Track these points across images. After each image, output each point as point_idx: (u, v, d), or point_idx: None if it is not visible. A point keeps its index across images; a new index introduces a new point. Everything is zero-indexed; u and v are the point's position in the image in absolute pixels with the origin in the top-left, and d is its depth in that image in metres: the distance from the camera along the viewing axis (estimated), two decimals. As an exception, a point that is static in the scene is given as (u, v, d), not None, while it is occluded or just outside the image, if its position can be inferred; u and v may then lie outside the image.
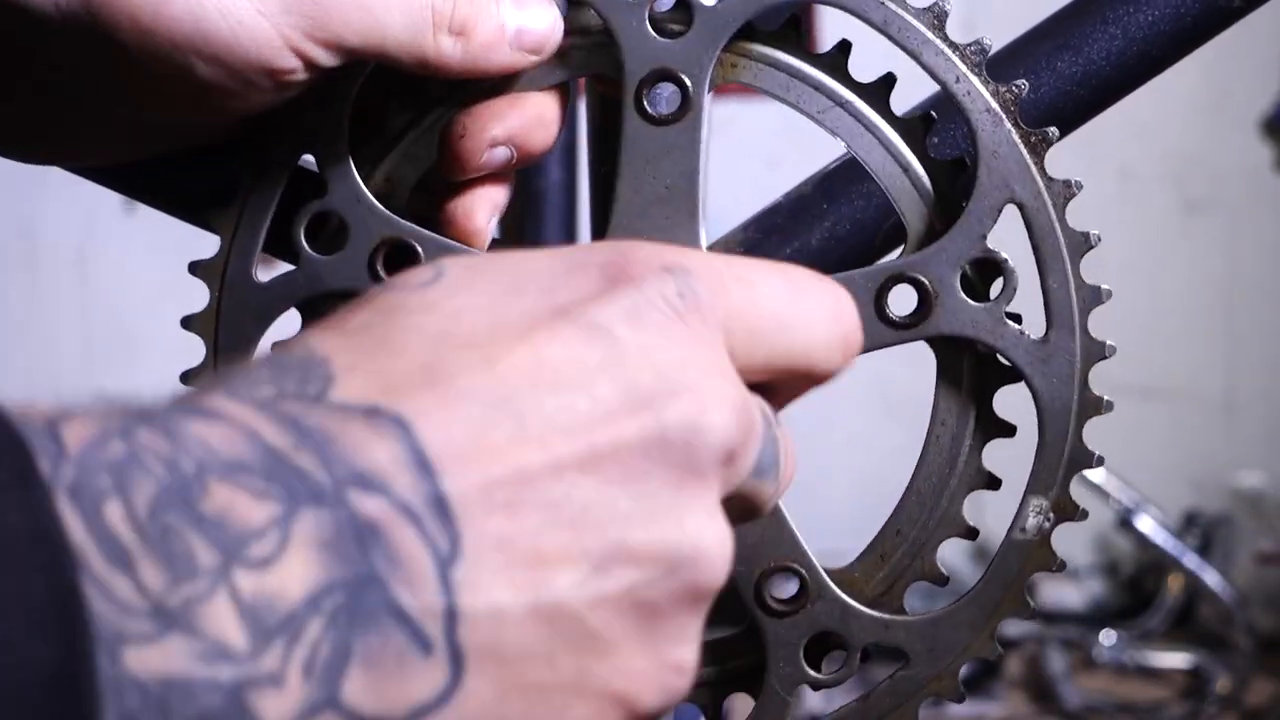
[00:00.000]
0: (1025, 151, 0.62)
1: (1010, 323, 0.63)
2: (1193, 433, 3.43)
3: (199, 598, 0.37)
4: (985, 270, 0.63)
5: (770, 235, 0.68)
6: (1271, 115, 3.40)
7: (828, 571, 0.65)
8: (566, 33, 0.63)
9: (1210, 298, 3.44)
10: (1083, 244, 0.63)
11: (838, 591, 0.65)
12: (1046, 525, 0.64)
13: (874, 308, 0.63)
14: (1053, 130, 0.62)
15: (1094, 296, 0.63)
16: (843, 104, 0.64)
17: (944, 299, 0.62)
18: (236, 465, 0.39)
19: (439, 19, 0.60)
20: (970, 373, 0.65)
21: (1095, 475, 0.66)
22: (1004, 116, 0.62)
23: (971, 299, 0.62)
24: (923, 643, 0.65)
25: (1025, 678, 3.14)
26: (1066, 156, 0.62)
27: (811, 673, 0.65)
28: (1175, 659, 3.20)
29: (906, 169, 0.64)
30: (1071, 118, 0.67)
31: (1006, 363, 0.64)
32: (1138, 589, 3.35)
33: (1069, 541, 0.63)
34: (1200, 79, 3.23)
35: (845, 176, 0.68)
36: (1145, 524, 3.02)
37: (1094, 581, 3.36)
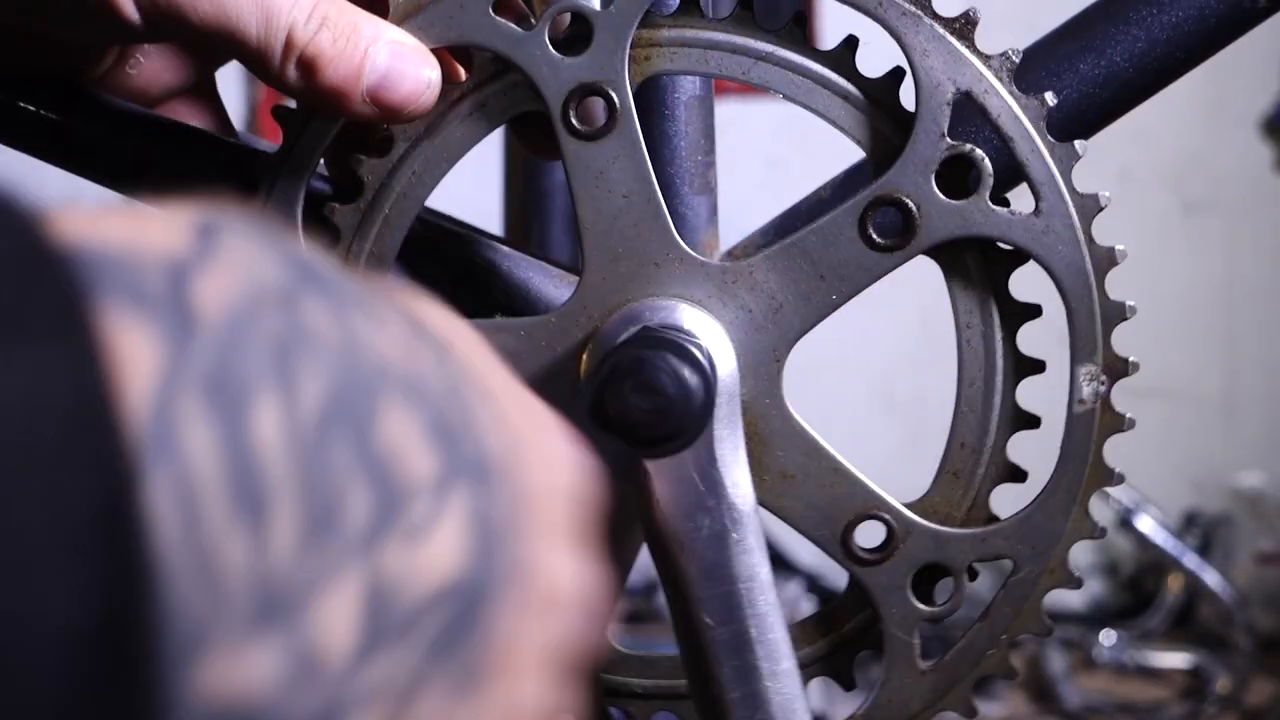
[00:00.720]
0: (954, 39, 0.62)
1: (998, 208, 0.62)
2: (1192, 433, 3.39)
3: (328, 572, 0.29)
4: (957, 167, 0.62)
5: (788, 238, 0.68)
6: (1271, 115, 3.36)
7: (908, 506, 0.65)
8: (478, 84, 0.63)
9: (1210, 298, 3.42)
10: (1040, 108, 0.62)
11: (925, 523, 0.64)
12: (1102, 388, 0.63)
13: (861, 239, 0.62)
14: (973, 9, 0.62)
15: (1069, 154, 0.62)
16: (764, 57, 0.63)
17: (926, 208, 0.62)
18: (413, 390, 0.32)
19: (291, 46, 0.57)
20: (977, 267, 0.64)
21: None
22: (922, 14, 0.62)
23: (953, 199, 0.62)
24: (1022, 543, 0.64)
25: (1025, 678, 3.10)
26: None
27: (924, 607, 0.64)
28: (1175, 659, 3.16)
29: (847, 97, 0.63)
30: (1095, 120, 0.66)
31: (1009, 247, 0.63)
32: (1138, 589, 3.33)
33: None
34: (1200, 79, 3.18)
35: (862, 180, 0.68)
36: (1145, 524, 3.01)
37: (1094, 581, 3.34)
